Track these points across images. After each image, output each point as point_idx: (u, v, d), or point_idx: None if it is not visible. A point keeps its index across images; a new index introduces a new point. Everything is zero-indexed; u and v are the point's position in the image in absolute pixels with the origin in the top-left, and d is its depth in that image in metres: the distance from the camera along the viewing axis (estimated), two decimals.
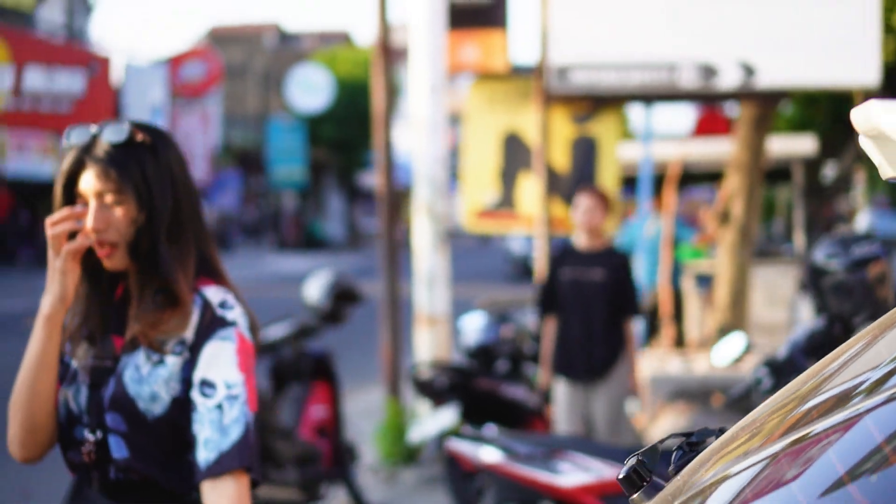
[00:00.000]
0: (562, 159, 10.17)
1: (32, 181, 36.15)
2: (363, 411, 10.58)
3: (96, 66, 37.85)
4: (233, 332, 2.52)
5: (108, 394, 2.49)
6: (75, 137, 2.55)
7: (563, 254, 7.15)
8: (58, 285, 2.47)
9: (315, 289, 7.94)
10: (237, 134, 49.60)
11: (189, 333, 2.51)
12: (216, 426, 2.44)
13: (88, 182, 2.53)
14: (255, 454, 2.47)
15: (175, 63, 42.86)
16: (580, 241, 7.09)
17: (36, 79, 34.91)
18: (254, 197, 50.62)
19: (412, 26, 9.45)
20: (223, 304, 2.55)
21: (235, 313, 2.55)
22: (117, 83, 41.43)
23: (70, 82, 36.28)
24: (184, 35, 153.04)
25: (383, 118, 9.55)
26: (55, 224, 2.48)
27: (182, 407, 2.48)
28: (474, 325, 8.40)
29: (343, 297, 7.65)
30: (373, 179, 38.88)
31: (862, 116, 1.36)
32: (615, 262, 6.96)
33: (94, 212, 2.52)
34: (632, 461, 1.49)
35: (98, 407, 2.50)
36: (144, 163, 2.53)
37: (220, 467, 2.43)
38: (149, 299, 2.52)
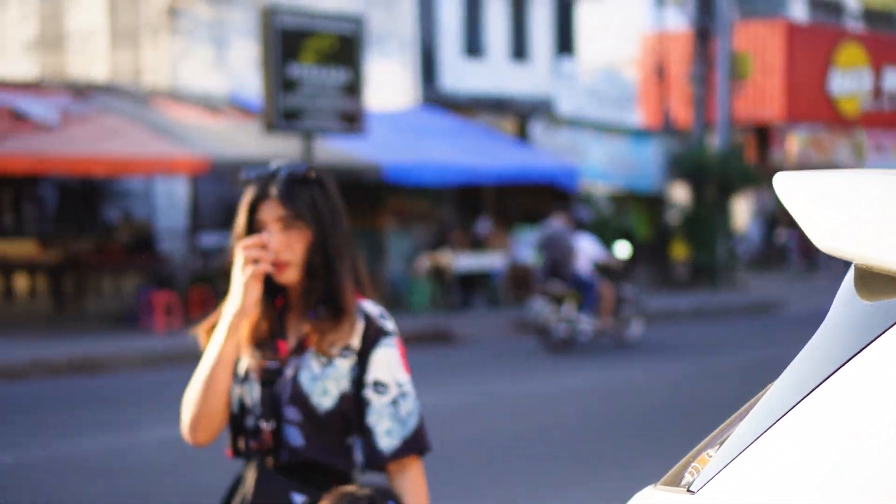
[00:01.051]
0: None
1: None
2: None
3: None
4: (394, 340, 2.97)
5: (287, 391, 2.93)
6: (255, 174, 3.03)
7: None
8: (241, 299, 2.91)
9: None
10: None
11: (355, 341, 2.95)
12: (395, 418, 2.91)
13: (270, 210, 2.97)
14: (427, 436, 2.96)
15: None
16: None
17: (894, 80, 35.32)
18: None
19: None
20: (382, 316, 3.00)
21: (391, 323, 3.00)
22: None
23: None
24: None
25: None
26: (247, 248, 2.91)
27: (347, 400, 2.93)
28: None
29: None
30: None
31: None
32: None
33: (275, 235, 2.95)
34: None
35: (273, 401, 2.94)
36: (316, 195, 2.98)
37: (405, 451, 2.91)
38: (312, 310, 2.98)
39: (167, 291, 18.22)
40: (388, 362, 2.94)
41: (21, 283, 19.70)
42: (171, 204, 22.16)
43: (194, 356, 11.87)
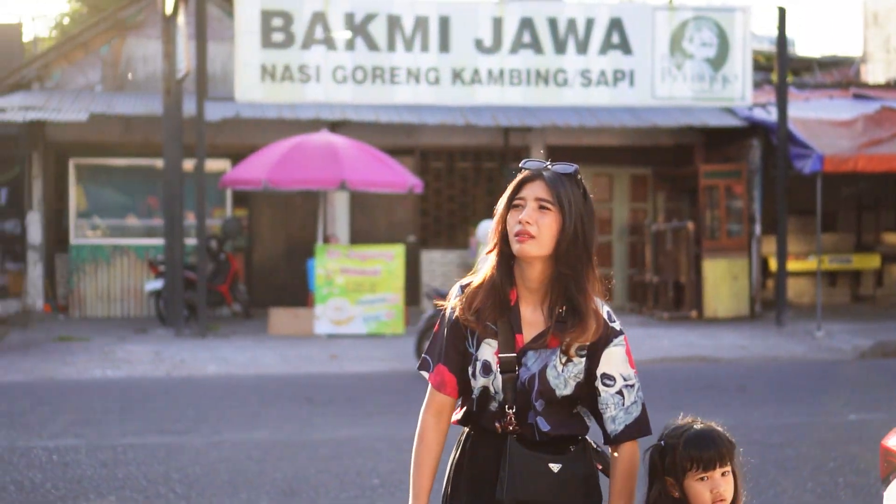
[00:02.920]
0: None
1: None
2: None
3: None
4: (622, 339, 3.30)
5: (535, 386, 3.25)
6: (531, 165, 3.32)
7: None
8: None
9: None
10: None
11: (588, 340, 3.25)
12: (619, 407, 3.27)
13: (532, 189, 3.27)
14: (649, 423, 3.28)
15: None
16: None
17: None
18: None
19: None
20: (610, 317, 3.30)
21: (619, 323, 3.32)
22: None
23: None
24: None
25: None
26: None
27: (579, 387, 3.27)
28: None
29: None
30: None
31: None
32: None
33: (529, 210, 3.24)
34: None
35: (515, 389, 3.26)
36: (575, 193, 3.27)
37: (626, 436, 3.27)
38: (555, 307, 3.26)
39: None
40: (617, 360, 3.30)
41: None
42: None
43: None
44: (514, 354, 3.27)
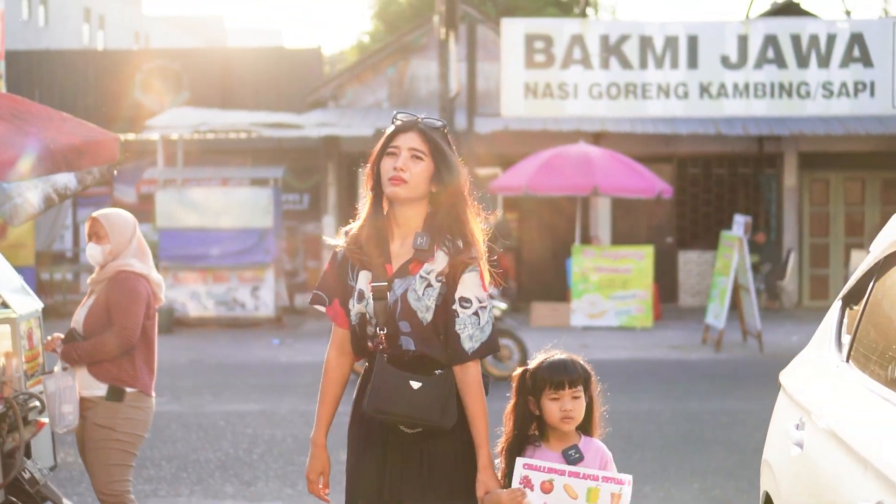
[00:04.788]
0: None
1: None
2: None
3: None
4: (476, 266, 3.65)
5: (398, 308, 3.57)
6: (404, 117, 3.66)
7: None
8: None
9: None
10: None
11: (446, 267, 3.62)
12: (476, 326, 3.60)
13: (406, 140, 3.62)
14: (498, 341, 3.63)
15: None
16: None
17: None
18: None
19: None
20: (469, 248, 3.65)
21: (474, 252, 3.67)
22: None
23: None
24: None
25: None
26: None
27: (440, 312, 3.59)
28: None
29: None
30: None
31: None
32: None
33: (403, 158, 3.60)
34: None
35: (385, 313, 3.57)
36: (443, 144, 3.65)
37: (481, 352, 3.63)
38: (417, 238, 3.63)
39: None
40: (472, 284, 3.66)
41: None
42: None
43: None
44: (385, 283, 3.64)
